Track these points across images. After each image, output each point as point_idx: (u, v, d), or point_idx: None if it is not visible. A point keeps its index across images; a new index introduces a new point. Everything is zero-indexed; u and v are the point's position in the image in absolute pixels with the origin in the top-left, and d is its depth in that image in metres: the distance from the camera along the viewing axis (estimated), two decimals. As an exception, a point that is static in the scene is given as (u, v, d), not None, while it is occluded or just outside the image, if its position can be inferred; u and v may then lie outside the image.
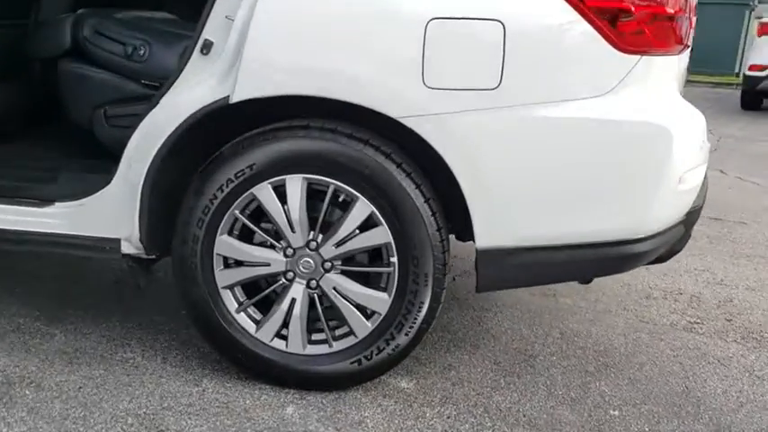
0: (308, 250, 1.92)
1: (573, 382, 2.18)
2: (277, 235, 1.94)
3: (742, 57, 14.50)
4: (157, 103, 1.92)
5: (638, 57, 1.76)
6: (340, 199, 1.91)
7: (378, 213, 1.86)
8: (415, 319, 1.93)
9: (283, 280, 1.96)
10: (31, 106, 2.81)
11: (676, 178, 1.84)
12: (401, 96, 1.76)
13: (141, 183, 1.93)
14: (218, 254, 1.95)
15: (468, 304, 2.72)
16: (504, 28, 1.70)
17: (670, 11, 1.78)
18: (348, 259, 1.95)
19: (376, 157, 1.83)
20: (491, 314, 2.65)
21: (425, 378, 2.15)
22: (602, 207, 1.82)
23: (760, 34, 9.67)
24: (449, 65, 1.74)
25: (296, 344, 1.99)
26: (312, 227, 1.91)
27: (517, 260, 1.87)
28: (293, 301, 1.96)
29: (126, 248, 2.03)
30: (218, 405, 1.95)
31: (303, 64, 1.79)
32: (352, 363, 1.98)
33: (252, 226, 1.94)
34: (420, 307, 1.92)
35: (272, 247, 1.95)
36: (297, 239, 1.91)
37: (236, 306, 2.00)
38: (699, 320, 2.69)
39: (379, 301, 1.94)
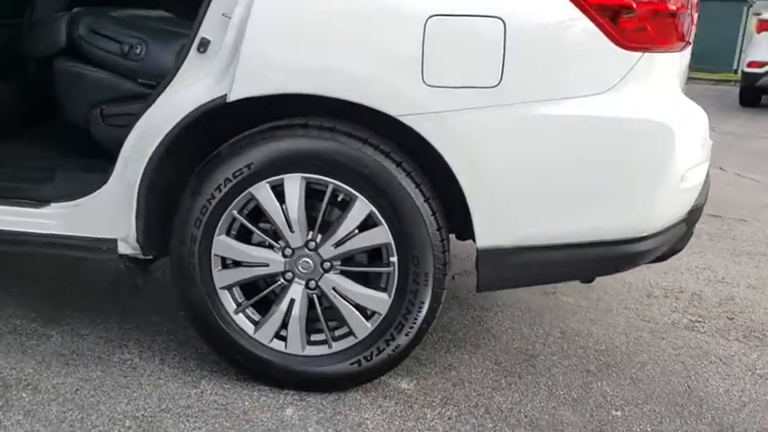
0: (306, 250, 1.91)
1: (574, 382, 2.16)
2: (275, 235, 1.92)
3: (740, 53, 14.48)
4: (154, 102, 1.90)
5: (639, 54, 1.74)
6: (339, 198, 1.89)
7: (377, 213, 1.84)
8: (416, 319, 1.91)
9: (282, 280, 1.94)
10: (26, 106, 2.79)
11: (678, 176, 1.82)
12: (400, 94, 1.74)
13: (138, 182, 1.91)
14: (216, 254, 1.93)
15: (469, 304, 2.70)
16: (504, 25, 1.68)
17: (672, 7, 1.76)
18: (347, 259, 1.93)
19: (375, 156, 1.81)
20: (491, 313, 2.63)
21: (426, 378, 2.13)
22: (604, 205, 1.81)
23: (759, 31, 9.66)
24: (449, 62, 1.72)
25: (295, 345, 1.97)
26: (311, 227, 1.89)
27: (518, 259, 1.86)
28: (292, 301, 1.94)
29: (123, 249, 2.01)
30: (216, 407, 1.93)
31: (301, 62, 1.77)
32: (351, 363, 1.96)
33: (250, 226, 1.92)
34: (420, 307, 1.90)
35: (271, 247, 1.93)
36: (295, 239, 1.89)
37: (235, 307, 1.98)
38: (700, 319, 2.67)
39: (379, 301, 1.92)
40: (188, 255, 1.92)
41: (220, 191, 1.87)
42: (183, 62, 1.87)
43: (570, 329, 2.53)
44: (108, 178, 1.96)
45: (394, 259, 1.87)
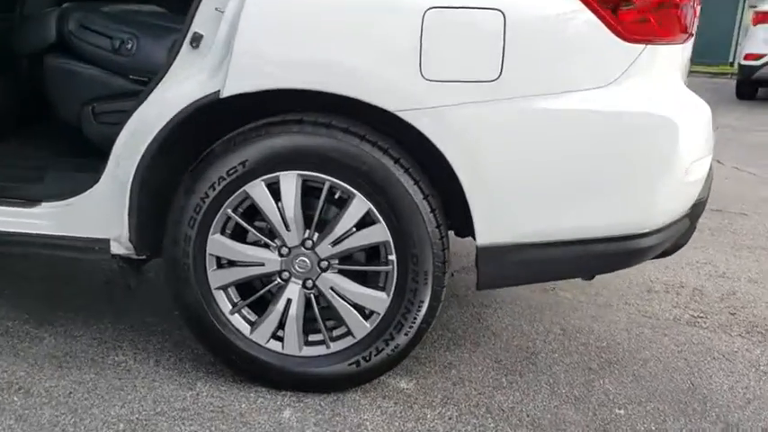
0: (303, 249, 1.87)
1: (576, 380, 2.13)
2: (271, 234, 1.88)
3: (736, 46, 14.47)
4: (146, 98, 1.85)
5: (642, 46, 1.71)
6: (336, 196, 1.85)
7: (375, 210, 1.80)
8: (415, 318, 1.88)
9: (278, 280, 1.91)
10: (18, 104, 2.74)
11: (682, 170, 1.79)
12: (398, 89, 1.71)
13: (130, 181, 1.87)
14: (210, 254, 1.89)
15: (468, 301, 2.67)
16: (504, 17, 1.64)
17: (675, -2, 1.72)
18: (345, 258, 1.89)
19: (373, 152, 1.77)
20: (491, 311, 2.60)
21: (425, 378, 2.10)
22: (607, 201, 1.77)
23: (755, 23, 9.62)
24: (447, 56, 1.68)
25: (292, 345, 1.94)
26: (307, 225, 1.85)
27: (518, 257, 1.82)
28: (289, 301, 1.91)
29: (115, 249, 1.97)
30: (212, 409, 1.90)
31: (296, 56, 1.73)
32: (350, 364, 1.93)
33: (245, 225, 1.88)
34: (420, 306, 1.86)
35: (267, 246, 1.89)
36: (292, 238, 1.86)
37: (230, 307, 1.95)
38: (702, 314, 2.64)
39: (378, 300, 1.88)
40: (182, 255, 1.88)
41: (214, 189, 1.83)
42: (175, 58, 1.83)
43: (571, 326, 2.50)
44: (100, 177, 1.92)
45: (392, 257, 1.84)
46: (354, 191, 1.79)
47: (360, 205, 1.80)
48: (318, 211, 1.83)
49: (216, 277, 1.92)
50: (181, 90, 1.81)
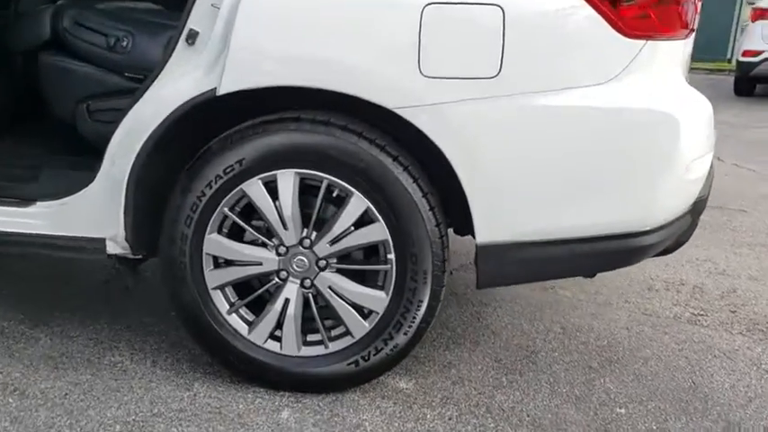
0: (301, 248, 1.85)
1: (577, 379, 2.11)
2: (269, 233, 1.86)
3: (734, 43, 14.46)
4: (141, 96, 1.83)
5: (643, 42, 1.69)
6: (334, 194, 1.84)
7: (374, 209, 1.78)
8: (414, 317, 1.86)
9: (276, 279, 1.89)
10: (13, 101, 2.71)
11: (683, 167, 1.77)
12: (396, 86, 1.69)
13: (126, 180, 1.84)
14: (207, 253, 1.87)
15: (467, 299, 2.65)
16: (503, 13, 1.63)
17: (676, -7, 1.71)
18: (343, 257, 1.87)
19: (371, 150, 1.75)
20: (490, 309, 2.58)
21: (425, 377, 2.08)
22: (608, 199, 1.76)
23: (754, 19, 9.61)
24: (446, 52, 1.66)
25: (290, 345, 1.92)
26: (305, 224, 1.83)
27: (519, 255, 1.80)
28: (287, 301, 1.89)
29: (111, 248, 1.95)
30: (210, 410, 1.88)
31: (293, 53, 1.70)
32: (349, 364, 1.91)
33: (242, 224, 1.86)
34: (419, 305, 1.85)
35: (264, 245, 1.87)
36: (289, 237, 1.84)
37: (228, 307, 1.92)
38: (703, 312, 2.63)
39: (377, 299, 1.86)
40: (179, 254, 1.86)
41: (211, 188, 1.80)
42: (170, 55, 1.81)
43: (571, 325, 2.48)
44: (95, 176, 1.90)
45: (391, 256, 1.82)
46: (352, 189, 1.77)
47: (358, 203, 1.78)
48: (316, 209, 1.81)
49: (213, 277, 1.89)
50: (177, 87, 1.79)
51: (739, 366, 2.23)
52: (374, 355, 1.89)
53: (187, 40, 1.79)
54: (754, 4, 10.40)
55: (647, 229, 1.80)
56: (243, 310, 1.95)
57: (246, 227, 1.87)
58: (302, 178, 1.79)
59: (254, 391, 1.97)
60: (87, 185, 1.91)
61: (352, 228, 1.82)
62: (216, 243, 1.86)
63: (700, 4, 1.96)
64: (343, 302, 1.87)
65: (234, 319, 1.93)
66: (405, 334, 1.87)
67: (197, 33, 1.78)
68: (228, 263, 1.90)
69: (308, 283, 1.87)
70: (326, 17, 1.68)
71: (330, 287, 1.86)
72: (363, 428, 1.83)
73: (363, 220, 1.81)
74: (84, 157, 2.06)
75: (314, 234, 1.84)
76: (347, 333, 1.90)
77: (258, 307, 1.94)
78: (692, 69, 2.19)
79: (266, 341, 1.93)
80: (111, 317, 2.39)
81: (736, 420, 1.93)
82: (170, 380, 2.02)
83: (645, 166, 1.74)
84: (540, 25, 1.67)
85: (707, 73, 13.45)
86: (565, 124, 1.71)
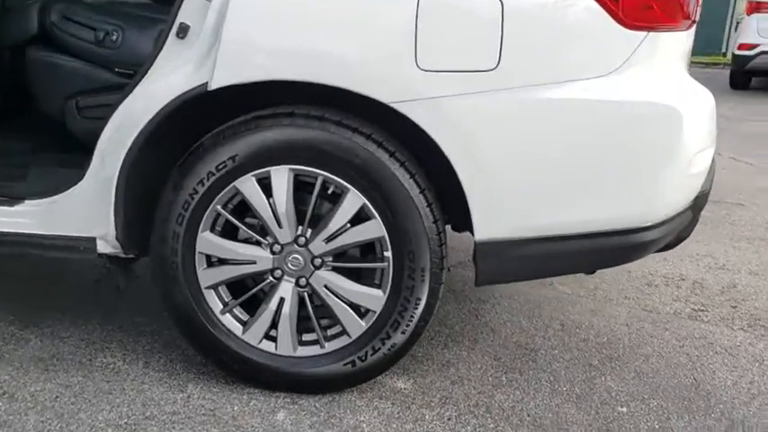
0: (296, 246, 1.81)
1: (577, 377, 2.08)
2: (263, 231, 1.82)
3: (729, 36, 14.45)
4: (131, 91, 1.78)
5: (644, 33, 1.65)
6: (329, 191, 1.79)
7: (370, 206, 1.74)
8: (412, 316, 1.82)
9: (271, 278, 1.84)
10: (0, 98, 2.66)
11: (686, 161, 1.74)
12: (392, 79, 1.65)
13: (116, 177, 1.80)
14: (200, 252, 1.83)
15: (465, 296, 2.61)
16: (501, 4, 1.59)
17: (678, -17, 1.67)
18: (339, 255, 1.83)
19: (367, 145, 1.71)
20: (489, 306, 2.54)
21: (423, 377, 2.04)
22: (609, 194, 1.72)
23: (749, 12, 9.59)
24: (443, 45, 1.62)
25: (286, 345, 1.88)
26: (300, 221, 1.79)
27: (518, 252, 1.77)
28: (282, 300, 1.85)
29: (102, 248, 1.90)
30: (204, 412, 1.84)
31: (286, 46, 1.66)
32: (345, 364, 1.87)
33: (236, 222, 1.82)
34: (417, 304, 1.81)
35: (258, 243, 1.83)
36: (284, 235, 1.79)
37: (221, 307, 1.88)
38: (703, 308, 2.60)
39: (374, 298, 1.82)
40: (170, 253, 1.82)
41: (203, 185, 1.76)
42: (160, 49, 1.76)
43: (570, 321, 2.45)
44: (84, 174, 1.85)
45: (388, 254, 1.78)
46: (348, 185, 1.73)
47: (354, 200, 1.74)
48: (311, 206, 1.77)
49: (206, 276, 1.85)
50: (167, 82, 1.74)
51: (741, 363, 2.20)
52: (371, 354, 1.86)
53: (178, 34, 1.75)
54: (749, -4, 10.36)
55: (649, 224, 1.76)
56: (237, 310, 1.91)
57: (240, 225, 1.83)
58: (297, 175, 1.75)
59: (249, 392, 1.93)
60: (76, 183, 1.86)
61: (348, 225, 1.78)
62: (209, 242, 1.82)
63: (701, -5, 1.92)
64: (340, 301, 1.83)
65: (228, 319, 1.89)
66: (402, 333, 1.84)
67: (188, 27, 1.74)
68: (222, 262, 1.86)
69: (303, 281, 1.83)
70: (320, 9, 1.64)
71: (326, 286, 1.83)
72: (361, 430, 1.79)
73: (359, 217, 1.77)
74: (73, 155, 2.02)
75: (309, 232, 1.80)
76: (344, 332, 1.86)
77: (252, 306, 1.90)
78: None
79: (261, 341, 1.89)
80: (103, 317, 2.35)
81: (739, 418, 1.90)
82: (163, 381, 1.98)
83: (647, 160, 1.70)
84: (539, 16, 1.63)
85: (702, 66, 13.43)
86: (565, 118, 1.67)
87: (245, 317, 1.91)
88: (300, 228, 1.80)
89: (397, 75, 1.63)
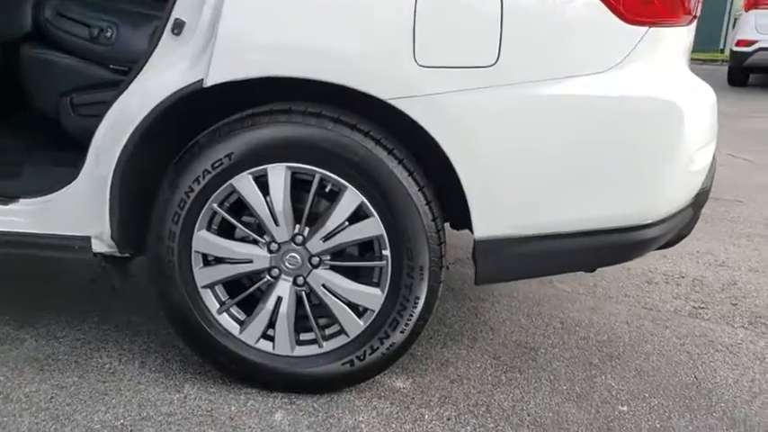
0: (293, 245, 1.79)
1: (577, 376, 2.06)
2: (260, 229, 1.80)
3: (727, 32, 14.44)
4: (126, 88, 1.76)
5: (645, 28, 1.63)
6: (327, 189, 1.77)
7: (368, 204, 1.72)
8: (411, 315, 1.80)
9: (268, 277, 1.82)
10: None
11: (687, 158, 1.72)
12: (391, 76, 1.62)
13: (111, 175, 1.78)
14: (196, 251, 1.81)
15: (464, 294, 2.60)
16: (501, -1, 1.56)
17: (679, -22, 1.65)
18: (337, 254, 1.81)
19: (365, 142, 1.68)
20: (488, 304, 2.53)
21: (422, 376, 2.03)
22: (610, 191, 1.70)
23: (747, 9, 9.58)
24: (442, 40, 1.60)
25: (283, 345, 1.86)
26: (298, 220, 1.77)
27: (518, 250, 1.75)
28: (279, 299, 1.83)
29: (97, 247, 1.88)
30: (201, 413, 1.82)
31: (283, 42, 1.64)
32: (344, 363, 1.85)
33: (232, 220, 1.80)
34: (416, 302, 1.79)
35: (255, 242, 1.80)
36: (281, 233, 1.77)
37: (218, 306, 1.86)
38: (703, 305, 2.58)
39: (372, 297, 1.80)
40: (166, 252, 1.80)
41: (199, 183, 1.74)
42: (156, 46, 1.74)
43: (570, 319, 2.44)
44: (79, 172, 1.83)
45: (387, 252, 1.76)
46: (346, 183, 1.71)
47: (352, 198, 1.72)
48: (309, 204, 1.75)
49: (202, 275, 1.83)
50: (162, 79, 1.72)
51: (742, 361, 2.18)
52: (370, 354, 1.84)
53: (173, 30, 1.72)
54: (747, -7, 10.35)
55: (650, 221, 1.74)
56: (234, 309, 1.89)
57: (236, 223, 1.80)
58: (294, 172, 1.73)
59: (247, 392, 1.91)
60: (71, 182, 1.84)
61: (346, 223, 1.75)
62: (205, 240, 1.80)
63: (702, -10, 1.90)
64: (338, 300, 1.81)
65: (224, 319, 1.87)
66: (401, 332, 1.82)
67: (183, 23, 1.71)
68: (218, 261, 1.84)
69: (300, 280, 1.81)
70: (317, 4, 1.62)
71: (324, 285, 1.81)
72: (359, 430, 1.77)
73: (357, 216, 1.75)
74: (67, 153, 1.99)
75: (306, 230, 1.78)
76: (342, 332, 1.84)
77: (250, 306, 1.88)
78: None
79: (258, 341, 1.87)
80: (99, 317, 2.33)
81: (741, 417, 1.88)
82: (159, 381, 1.96)
83: (647, 156, 1.69)
84: (538, 11, 1.61)
85: (700, 63, 13.43)
86: (564, 114, 1.65)
87: (242, 316, 1.89)
88: (298, 226, 1.77)
89: (395, 71, 1.61)
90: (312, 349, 1.87)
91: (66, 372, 2.00)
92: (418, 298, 1.79)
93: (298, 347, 1.87)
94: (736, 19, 11.78)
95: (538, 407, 1.90)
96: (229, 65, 1.65)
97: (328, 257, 1.80)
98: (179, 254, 1.80)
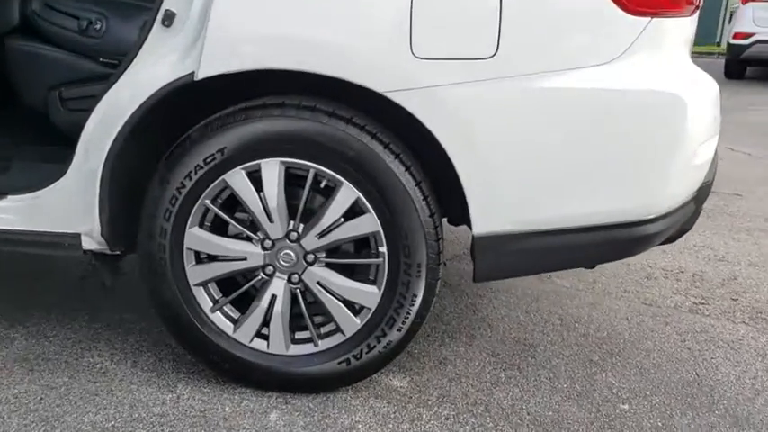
0: (288, 242, 1.75)
1: (577, 374, 2.03)
2: (253, 226, 1.75)
3: (724, 26, 14.41)
4: (116, 81, 1.72)
5: (647, 19, 1.59)
6: (322, 185, 1.73)
7: (364, 199, 1.68)
8: (408, 313, 1.76)
9: (262, 275, 1.78)
10: None
11: (690, 151, 1.68)
12: (386, 68, 1.58)
13: (100, 171, 1.73)
14: (188, 248, 1.77)
15: (462, 291, 2.56)
16: (500, -11, 1.52)
17: (682, -34, 1.61)
18: (332, 250, 1.77)
19: (360, 137, 1.64)
20: (486, 301, 2.49)
21: (420, 374, 1.99)
22: (612, 186, 1.66)
23: (744, 1, 9.54)
24: (439, 32, 1.56)
25: (278, 344, 1.82)
26: (292, 216, 1.73)
27: (518, 246, 1.71)
28: (274, 297, 1.79)
29: (87, 244, 1.84)
30: (194, 414, 1.78)
31: (276, 33, 1.59)
32: (340, 362, 1.81)
33: (225, 217, 1.76)
34: (413, 300, 1.75)
35: (249, 239, 1.76)
36: (275, 230, 1.73)
37: (211, 305, 1.82)
38: (704, 301, 2.55)
39: (368, 294, 1.77)
40: (158, 250, 1.76)
41: (191, 179, 1.70)
42: (146, 38, 1.70)
43: (569, 315, 2.40)
44: (68, 168, 1.78)
45: (383, 249, 1.72)
46: (341, 178, 1.67)
47: (347, 194, 1.68)
48: (303, 200, 1.71)
49: (195, 273, 1.79)
50: (153, 72, 1.67)
51: (744, 357, 2.15)
52: (366, 352, 1.80)
53: (163, 22, 1.68)
54: (743, -14, 10.31)
55: (652, 217, 1.71)
56: (227, 308, 1.85)
57: (229, 220, 1.76)
58: (288, 168, 1.69)
59: (241, 392, 1.87)
60: (60, 177, 1.80)
61: (342, 219, 1.72)
62: (197, 238, 1.76)
63: (705, -20, 1.86)
64: (333, 298, 1.77)
65: (218, 317, 1.83)
66: (398, 330, 1.78)
67: (174, 14, 1.67)
68: (211, 258, 1.80)
69: (295, 278, 1.77)
70: (311, -6, 1.57)
71: (319, 282, 1.77)
72: (356, 430, 1.74)
73: (353, 212, 1.71)
74: (56, 148, 1.95)
75: (301, 227, 1.74)
76: (338, 330, 1.81)
77: (243, 304, 1.84)
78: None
79: (252, 339, 1.83)
80: (91, 314, 2.29)
81: (743, 415, 1.85)
82: (152, 381, 1.92)
83: (650, 150, 1.65)
84: (538, 2, 1.57)
85: (696, 56, 13.40)
86: (565, 107, 1.61)
87: (235, 314, 1.85)
88: (292, 223, 1.73)
89: (392, 63, 1.57)
90: (307, 348, 1.83)
91: (56, 372, 1.96)
92: (415, 295, 1.75)
93: (293, 346, 1.83)
94: (732, 12, 11.75)
95: (537, 405, 1.87)
96: (221, 57, 1.61)
97: (323, 254, 1.76)
98: (171, 251, 1.76)
